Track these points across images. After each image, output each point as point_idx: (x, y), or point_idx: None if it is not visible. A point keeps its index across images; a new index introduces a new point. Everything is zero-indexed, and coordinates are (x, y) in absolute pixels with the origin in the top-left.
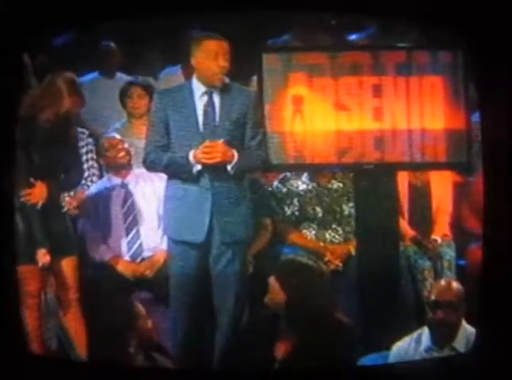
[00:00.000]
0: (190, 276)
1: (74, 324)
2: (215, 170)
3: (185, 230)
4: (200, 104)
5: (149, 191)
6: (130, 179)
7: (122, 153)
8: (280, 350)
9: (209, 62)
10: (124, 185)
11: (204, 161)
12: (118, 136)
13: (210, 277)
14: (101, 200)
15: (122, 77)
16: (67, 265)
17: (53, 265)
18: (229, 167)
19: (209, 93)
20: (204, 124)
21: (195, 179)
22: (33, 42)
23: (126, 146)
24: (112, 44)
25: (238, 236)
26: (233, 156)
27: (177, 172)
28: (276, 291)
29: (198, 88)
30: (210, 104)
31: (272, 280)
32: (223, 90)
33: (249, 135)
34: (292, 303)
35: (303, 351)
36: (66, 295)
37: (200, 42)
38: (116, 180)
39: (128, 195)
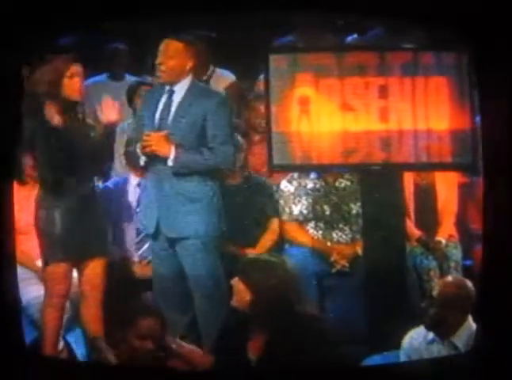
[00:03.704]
0: (163, 274)
1: (93, 322)
2: (160, 164)
3: (145, 223)
4: (163, 100)
5: None
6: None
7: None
8: (254, 349)
9: None
10: (139, 185)
11: (141, 150)
12: None
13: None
14: (115, 198)
15: (131, 79)
16: (98, 264)
17: (84, 263)
18: (169, 162)
19: (170, 92)
20: (160, 121)
21: (148, 172)
22: (36, 43)
23: None
24: (122, 46)
25: (187, 233)
26: (169, 149)
27: (134, 164)
28: (241, 292)
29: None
30: (168, 102)
31: (235, 281)
32: (188, 90)
33: (210, 136)
34: (257, 302)
35: (275, 349)
36: (92, 293)
37: None
38: (133, 180)
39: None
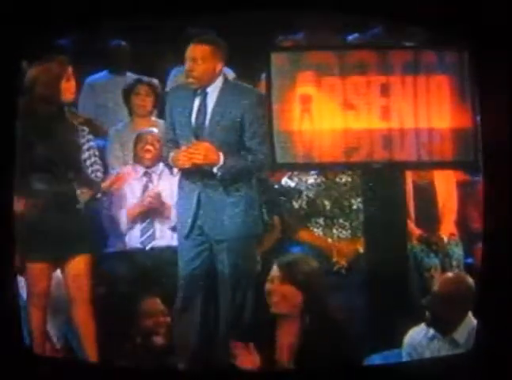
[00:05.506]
0: (192, 273)
1: (84, 322)
2: (202, 172)
3: (179, 226)
4: (196, 103)
5: (168, 184)
6: (154, 169)
7: (148, 154)
8: (284, 349)
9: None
10: (147, 174)
11: (179, 165)
12: (156, 132)
13: (214, 276)
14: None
15: (131, 76)
16: (80, 263)
17: (65, 262)
18: (215, 169)
19: (203, 94)
20: (196, 126)
21: (186, 176)
22: (34, 43)
23: (156, 144)
24: (124, 43)
25: (226, 234)
26: (218, 159)
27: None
28: (291, 295)
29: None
30: (203, 103)
31: (278, 287)
32: (221, 90)
33: (247, 136)
34: (308, 301)
35: (306, 350)
36: (78, 293)
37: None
38: (140, 169)
39: (149, 184)
